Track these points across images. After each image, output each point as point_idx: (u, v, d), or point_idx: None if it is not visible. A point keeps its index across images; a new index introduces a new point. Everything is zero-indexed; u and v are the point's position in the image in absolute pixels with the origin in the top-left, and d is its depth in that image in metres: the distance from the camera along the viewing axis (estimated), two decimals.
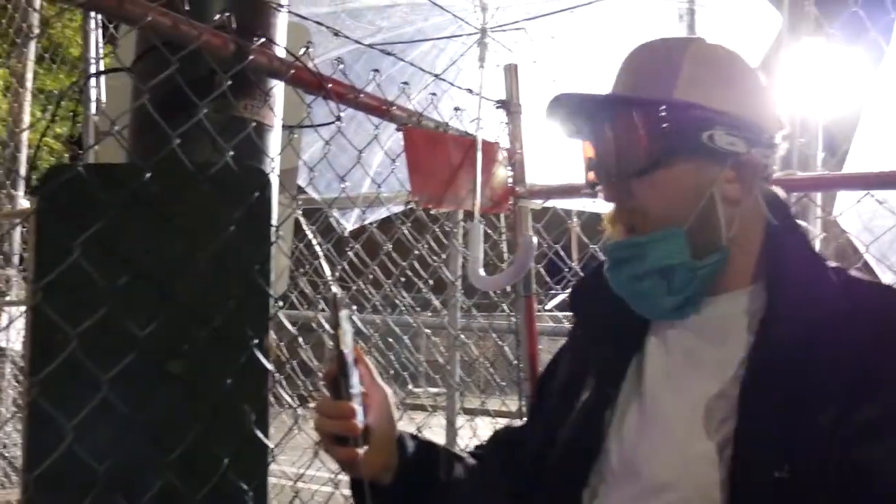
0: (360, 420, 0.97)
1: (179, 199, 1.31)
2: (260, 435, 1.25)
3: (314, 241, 2.06)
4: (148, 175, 1.25)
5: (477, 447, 1.20)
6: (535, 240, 1.79)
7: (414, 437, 1.09)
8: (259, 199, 1.35)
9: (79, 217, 1.22)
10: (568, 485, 0.97)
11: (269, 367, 1.29)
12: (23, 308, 4.85)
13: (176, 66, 1.31)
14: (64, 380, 1.12)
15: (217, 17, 1.42)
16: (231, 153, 1.37)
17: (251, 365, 1.26)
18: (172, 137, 1.30)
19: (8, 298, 5.13)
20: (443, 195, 1.70)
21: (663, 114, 0.94)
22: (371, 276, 2.30)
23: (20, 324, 4.82)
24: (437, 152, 1.71)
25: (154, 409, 1.21)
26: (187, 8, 1.36)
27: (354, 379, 0.98)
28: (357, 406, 0.97)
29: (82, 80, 2.49)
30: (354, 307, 1.02)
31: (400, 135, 1.87)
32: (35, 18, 5.88)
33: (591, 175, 1.02)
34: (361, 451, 0.97)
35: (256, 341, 1.28)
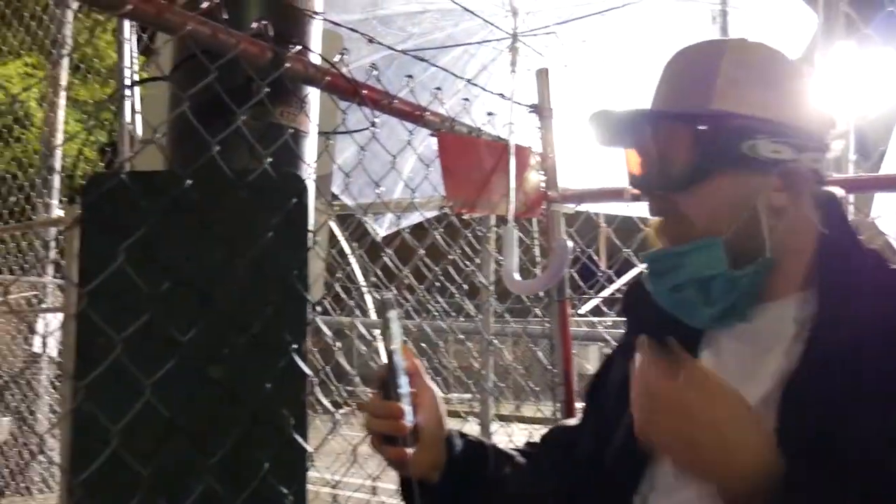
0: (408, 420, 0.99)
1: (218, 206, 1.32)
2: (299, 439, 1.25)
3: (348, 247, 2.07)
4: (188, 182, 1.27)
5: (527, 445, 1.20)
6: (570, 244, 1.78)
7: (462, 435, 1.10)
8: (296, 206, 1.36)
9: (121, 224, 1.23)
10: (619, 490, 0.96)
11: (308, 372, 1.30)
12: (59, 315, 4.93)
13: (215, 75, 1.33)
14: (108, 384, 1.14)
15: (254, 25, 1.43)
16: (269, 160, 1.38)
17: (290, 370, 1.27)
18: (211, 145, 1.31)
19: (44, 305, 5.21)
20: (476, 200, 1.70)
21: (701, 127, 0.93)
22: (406, 282, 2.31)
23: (48, 329, 4.90)
24: (470, 157, 1.71)
25: (195, 414, 1.22)
26: (226, 17, 1.38)
27: (403, 379, 1.00)
28: (406, 406, 0.99)
29: (123, 89, 2.53)
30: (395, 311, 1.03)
31: (432, 140, 1.87)
32: (69, 30, 5.99)
33: (634, 189, 1.02)
34: (410, 450, 0.98)
35: (295, 346, 1.28)
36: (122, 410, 1.15)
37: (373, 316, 3.10)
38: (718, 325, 0.97)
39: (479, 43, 3.55)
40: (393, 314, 1.01)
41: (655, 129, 0.97)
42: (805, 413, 0.85)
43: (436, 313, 2.82)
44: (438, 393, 1.07)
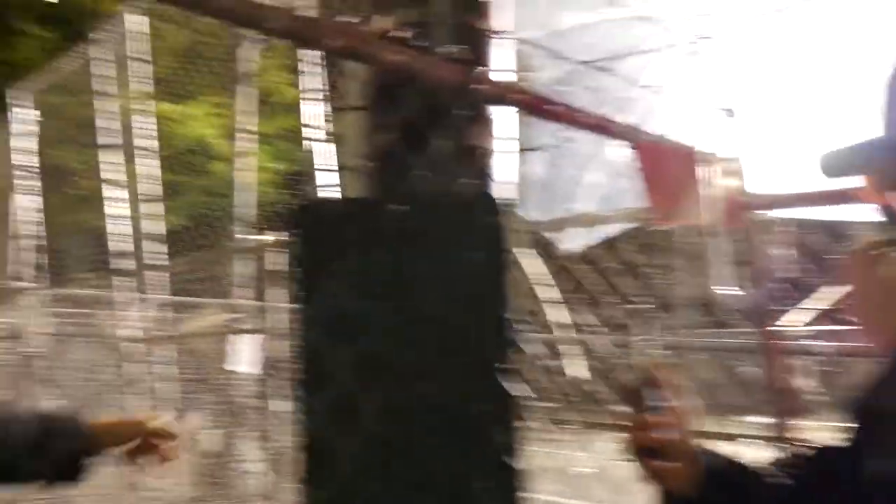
0: (668, 433, 0.99)
1: (419, 228, 1.35)
2: (513, 460, 1.25)
3: (533, 265, 2.06)
4: (392, 206, 1.30)
5: (787, 466, 1.14)
6: (780, 252, 1.67)
7: (719, 453, 1.08)
8: (494, 225, 1.36)
9: (331, 248, 1.29)
10: None
11: (518, 391, 1.29)
12: (255, 336, 5.25)
13: (411, 100, 1.36)
14: (332, 408, 1.18)
15: (445, 49, 1.46)
16: (464, 180, 1.39)
17: (498, 390, 1.27)
18: (411, 168, 1.34)
19: (241, 327, 5.55)
20: (675, 210, 1.64)
21: None
22: (596, 298, 2.27)
23: (247, 349, 5.23)
24: (668, 166, 1.65)
25: (411, 435, 1.24)
26: (417, 43, 1.42)
27: (661, 392, 1.00)
28: (665, 419, 0.99)
29: (311, 119, 2.66)
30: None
31: (616, 151, 1.83)
32: (249, 66, 6.39)
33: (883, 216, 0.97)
34: (669, 464, 0.98)
35: (502, 366, 1.28)
36: (342, 430, 1.19)
37: (557, 332, 3.07)
38: None
39: (659, 49, 3.43)
40: (646, 327, 1.01)
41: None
42: None
43: (627, 329, 2.75)
44: (697, 407, 1.05)
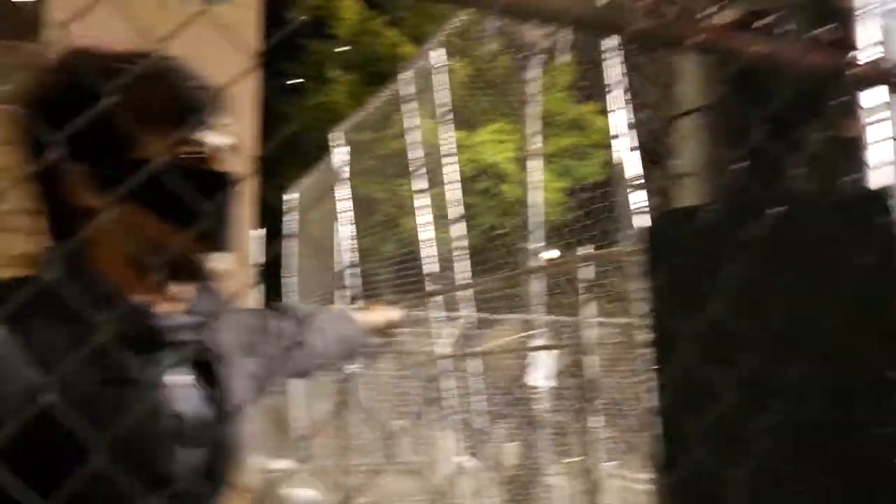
0: None
1: (798, 233, 1.22)
2: None
3: None
4: (768, 210, 1.19)
5: None
6: None
7: None
8: (886, 224, 1.19)
9: (698, 260, 1.21)
10: None
11: None
12: (552, 352, 5.30)
13: (778, 93, 1.24)
14: (709, 435, 1.09)
15: (809, 34, 1.32)
16: (844, 177, 1.24)
17: None
18: (782, 168, 1.22)
19: (538, 343, 5.63)
20: None
21: None
22: None
23: (542, 363, 5.28)
24: None
25: (802, 464, 1.11)
26: (779, 30, 1.30)
27: None
28: None
29: (630, 127, 2.61)
30: None
31: None
32: (534, 87, 6.51)
33: None
34: None
35: None
36: (723, 458, 1.10)
37: None
38: None
39: None
40: None
41: None
42: None
43: None
44: None
